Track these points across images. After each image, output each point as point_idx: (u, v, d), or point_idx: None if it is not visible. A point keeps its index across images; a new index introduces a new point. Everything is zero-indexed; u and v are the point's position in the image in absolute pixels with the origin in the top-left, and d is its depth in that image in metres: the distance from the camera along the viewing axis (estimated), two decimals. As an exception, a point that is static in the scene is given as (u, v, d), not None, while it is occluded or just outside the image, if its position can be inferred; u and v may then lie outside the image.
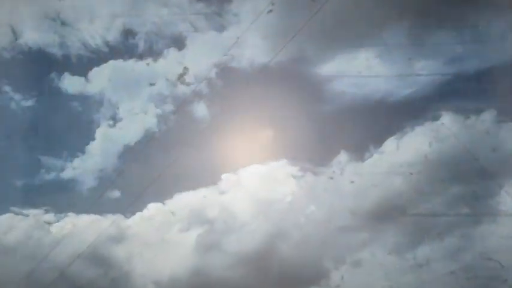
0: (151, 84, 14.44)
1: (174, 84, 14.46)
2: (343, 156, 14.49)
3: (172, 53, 14.48)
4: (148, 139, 14.27)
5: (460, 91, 14.25)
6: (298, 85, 14.56)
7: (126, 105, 14.18)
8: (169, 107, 14.33)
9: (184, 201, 14.66)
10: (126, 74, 14.16)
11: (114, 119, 13.21)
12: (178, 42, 14.18)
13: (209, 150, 14.25)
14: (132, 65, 14.21)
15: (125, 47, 13.83)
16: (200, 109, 14.50)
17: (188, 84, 14.38)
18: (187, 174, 14.04)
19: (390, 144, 14.36)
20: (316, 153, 14.46)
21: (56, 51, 13.57)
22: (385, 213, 14.09)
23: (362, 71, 14.45)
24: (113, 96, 13.95)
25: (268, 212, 14.68)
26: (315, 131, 14.27)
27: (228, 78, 14.22)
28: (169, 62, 14.42)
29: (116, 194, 14.04)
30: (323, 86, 14.65)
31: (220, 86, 14.29)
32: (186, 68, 14.34)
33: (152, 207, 14.59)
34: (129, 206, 14.06)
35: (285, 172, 14.71)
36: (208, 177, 14.32)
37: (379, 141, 14.38)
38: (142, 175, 13.82)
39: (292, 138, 14.40)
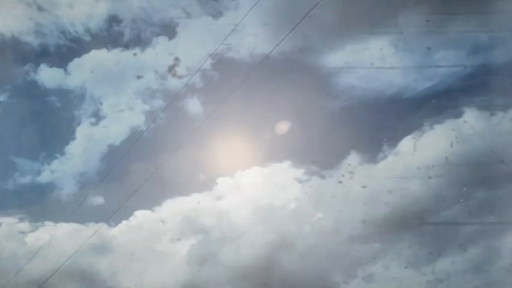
0: (139, 77, 13.16)
1: (164, 77, 13.15)
2: (353, 158, 13.25)
3: (162, 42, 13.24)
4: (135, 139, 13.00)
5: (484, 85, 13.05)
6: (303, 78, 13.23)
7: (111, 101, 12.93)
8: (158, 103, 13.07)
9: (175, 208, 13.55)
10: (110, 66, 12.87)
11: (97, 116, 12.00)
12: (169, 30, 12.91)
13: (204, 151, 13.12)
14: (117, 56, 12.92)
15: (109, 35, 12.56)
16: (193, 105, 13.21)
17: (180, 77, 13.13)
18: (179, 177, 13.03)
19: (406, 144, 13.12)
20: (323, 154, 13.28)
21: (32, 40, 12.26)
22: (400, 222, 12.92)
23: (375, 62, 13.18)
24: (95, 91, 12.71)
25: (269, 220, 13.49)
26: (322, 130, 13.13)
27: (224, 71, 12.91)
28: (159, 52, 13.12)
29: (99, 200, 12.81)
30: (331, 79, 13.38)
31: (216, 79, 12.96)
32: (177, 59, 13.05)
33: (140, 215, 13.52)
34: (114, 213, 12.82)
35: (289, 175, 13.52)
36: (202, 181, 13.35)
37: (393, 140, 13.17)
38: (128, 179, 12.64)
39: (297, 137, 13.26)
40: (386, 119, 13.16)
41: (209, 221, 13.45)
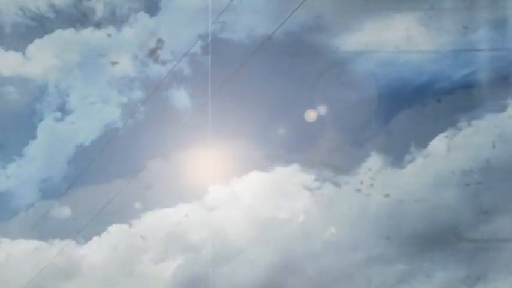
0: (114, 63, 10.97)
1: (145, 63, 11.01)
2: (374, 161, 11.14)
3: (141, 20, 10.97)
4: (109, 137, 10.96)
5: (534, 72, 11.03)
6: (313, 64, 11.10)
7: (79, 92, 10.71)
8: (138, 94, 11.00)
9: (158, 222, 11.40)
10: (79, 49, 10.79)
11: (63, 111, 10.04)
12: (150, 6, 10.88)
13: (192, 152, 10.92)
14: (87, 37, 10.81)
15: (78, 12, 10.60)
16: (180, 97, 11.10)
17: (163, 63, 10.96)
18: (162, 185, 11.09)
19: (439, 144, 11.13)
20: (337, 156, 11.22)
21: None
22: (432, 238, 10.92)
23: (400, 44, 11.09)
24: (61, 80, 10.58)
25: (272, 236, 11.34)
26: (336, 127, 11.12)
27: (217, 55, 10.77)
28: (138, 33, 10.94)
29: (66, 212, 10.89)
30: (347, 66, 11.24)
31: (206, 65, 10.81)
32: (160, 41, 10.85)
33: (114, 231, 11.30)
34: (83, 228, 10.75)
35: (296, 182, 11.34)
36: (191, 189, 11.17)
37: (423, 140, 11.12)
38: (101, 187, 11.02)
39: (305, 136, 11.27)
40: (414, 114, 11.19)
41: (199, 237, 11.32)
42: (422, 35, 11.03)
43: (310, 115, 10.95)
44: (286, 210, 11.17)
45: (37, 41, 10.76)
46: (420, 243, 10.89)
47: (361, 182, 10.97)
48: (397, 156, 11.13)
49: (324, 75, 11.08)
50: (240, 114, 11.03)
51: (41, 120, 10.47)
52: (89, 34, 11.06)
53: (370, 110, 11.15)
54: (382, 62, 11.24)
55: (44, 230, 10.87)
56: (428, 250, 10.93)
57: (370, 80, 11.22)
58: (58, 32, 11.08)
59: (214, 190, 11.27)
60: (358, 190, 10.96)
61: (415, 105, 11.12)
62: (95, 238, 11.16)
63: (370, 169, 11.01)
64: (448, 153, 10.98)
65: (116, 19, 10.97)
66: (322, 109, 11.05)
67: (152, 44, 10.95)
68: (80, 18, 11.02)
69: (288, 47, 10.98)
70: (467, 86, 11.06)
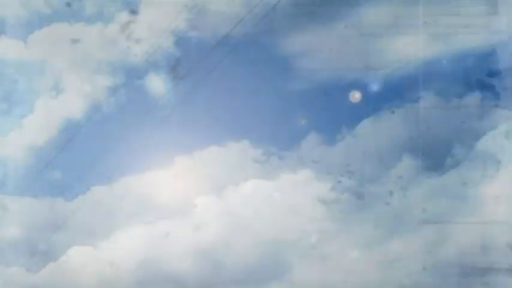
0: (75, 41, 8.75)
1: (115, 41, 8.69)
2: (406, 166, 8.50)
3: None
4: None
5: None
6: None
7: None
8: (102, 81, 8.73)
9: (130, 243, 8.90)
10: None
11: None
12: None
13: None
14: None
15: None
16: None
17: (138, 41, 8.57)
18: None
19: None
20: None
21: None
22: (482, 267, 8.26)
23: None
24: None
25: (277, 259, 8.82)
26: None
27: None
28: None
29: None
30: None
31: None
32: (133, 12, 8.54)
33: (74, 253, 8.88)
34: None
35: (307, 192, 8.72)
36: (174, 204, 8.91)
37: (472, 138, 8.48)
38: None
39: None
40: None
41: (184, 262, 8.77)
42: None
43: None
44: (295, 230, 8.65)
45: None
46: (466, 273, 8.47)
47: (391, 193, 8.54)
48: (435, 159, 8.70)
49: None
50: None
51: (38, 97, 8.67)
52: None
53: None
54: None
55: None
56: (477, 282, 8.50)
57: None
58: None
59: (202, 203, 8.82)
60: (387, 203, 8.50)
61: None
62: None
63: (401, 177, 8.57)
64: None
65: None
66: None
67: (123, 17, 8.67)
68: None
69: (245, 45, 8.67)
70: None
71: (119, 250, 8.71)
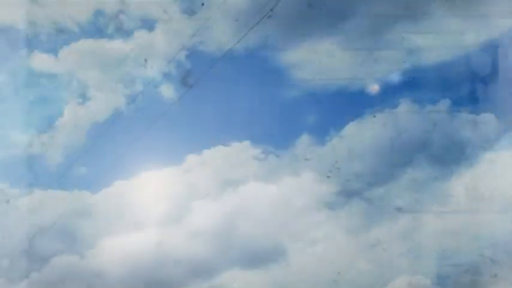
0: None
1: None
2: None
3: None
4: None
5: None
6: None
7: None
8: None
9: (119, 251, 9.70)
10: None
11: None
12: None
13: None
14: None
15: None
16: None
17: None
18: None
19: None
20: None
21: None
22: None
23: None
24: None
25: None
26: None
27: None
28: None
29: None
30: None
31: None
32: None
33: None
34: None
35: (313, 197, 9.79)
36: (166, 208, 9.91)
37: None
38: None
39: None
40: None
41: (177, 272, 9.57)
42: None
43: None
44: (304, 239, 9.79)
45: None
46: None
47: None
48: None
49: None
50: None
51: (66, 103, 10.06)
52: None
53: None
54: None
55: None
56: None
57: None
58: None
59: (196, 208, 9.64)
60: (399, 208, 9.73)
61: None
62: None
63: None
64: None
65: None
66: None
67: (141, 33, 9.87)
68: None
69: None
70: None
71: (106, 258, 9.53)
